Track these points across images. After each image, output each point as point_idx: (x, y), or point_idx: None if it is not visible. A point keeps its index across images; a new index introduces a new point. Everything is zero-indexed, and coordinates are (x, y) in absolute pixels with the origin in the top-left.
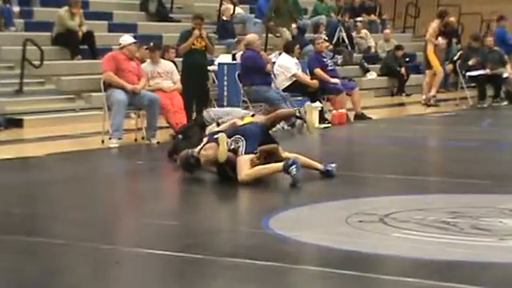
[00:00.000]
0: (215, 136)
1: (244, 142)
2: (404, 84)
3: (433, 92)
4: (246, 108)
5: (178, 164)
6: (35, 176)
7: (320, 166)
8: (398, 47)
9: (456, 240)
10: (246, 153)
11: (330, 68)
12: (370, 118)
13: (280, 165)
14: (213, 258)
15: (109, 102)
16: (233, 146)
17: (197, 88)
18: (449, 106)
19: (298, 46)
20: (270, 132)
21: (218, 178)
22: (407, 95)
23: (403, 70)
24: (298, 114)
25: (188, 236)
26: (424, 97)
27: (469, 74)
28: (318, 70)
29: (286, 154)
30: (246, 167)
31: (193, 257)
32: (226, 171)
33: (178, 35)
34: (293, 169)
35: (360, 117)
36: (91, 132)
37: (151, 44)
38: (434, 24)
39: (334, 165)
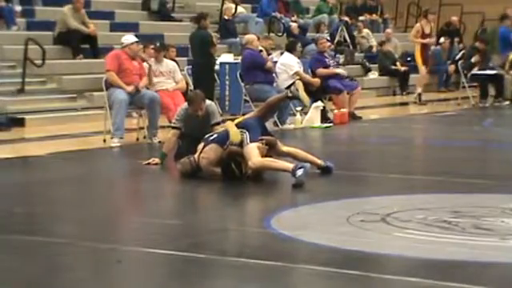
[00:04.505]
0: (211, 138)
1: (247, 133)
2: (406, 82)
3: (419, 90)
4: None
5: (179, 170)
6: (37, 175)
7: (320, 162)
8: (381, 43)
9: (458, 240)
10: (251, 141)
11: (330, 67)
12: (360, 118)
13: (290, 166)
14: (215, 258)
15: (110, 101)
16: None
17: None
18: (450, 105)
19: (299, 45)
20: (268, 126)
21: (220, 178)
22: (408, 93)
23: (398, 65)
24: (289, 95)
25: (190, 235)
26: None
27: (472, 72)
28: (320, 70)
29: (285, 149)
30: (255, 153)
31: (195, 256)
32: (231, 168)
33: (179, 34)
34: (299, 171)
35: (352, 116)
36: (93, 131)
37: (157, 44)
38: (417, 24)
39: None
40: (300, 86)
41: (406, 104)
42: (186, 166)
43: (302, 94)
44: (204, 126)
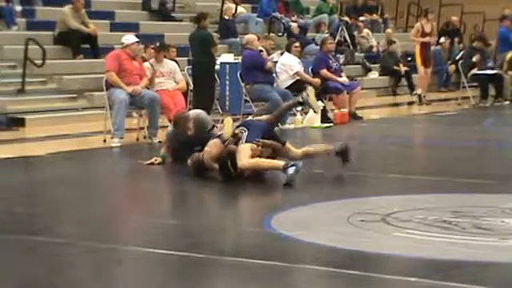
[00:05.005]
0: (219, 133)
1: (246, 132)
2: (411, 82)
3: (419, 91)
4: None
5: (189, 165)
6: (37, 175)
7: (332, 147)
8: (390, 42)
9: (458, 239)
10: (246, 141)
11: (333, 69)
12: (361, 118)
13: (280, 163)
14: (214, 258)
15: (110, 101)
16: (237, 131)
17: None
18: (451, 105)
19: (296, 45)
20: (276, 131)
21: (219, 178)
22: (406, 93)
23: (401, 66)
24: (301, 100)
25: (189, 235)
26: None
27: (473, 72)
28: (324, 71)
29: (300, 151)
30: (246, 154)
31: (195, 256)
32: (227, 167)
33: (179, 34)
34: (290, 169)
35: (352, 116)
36: (93, 131)
37: (157, 44)
38: (418, 23)
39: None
40: (311, 92)
41: (406, 104)
42: (193, 162)
43: (313, 101)
44: (198, 135)
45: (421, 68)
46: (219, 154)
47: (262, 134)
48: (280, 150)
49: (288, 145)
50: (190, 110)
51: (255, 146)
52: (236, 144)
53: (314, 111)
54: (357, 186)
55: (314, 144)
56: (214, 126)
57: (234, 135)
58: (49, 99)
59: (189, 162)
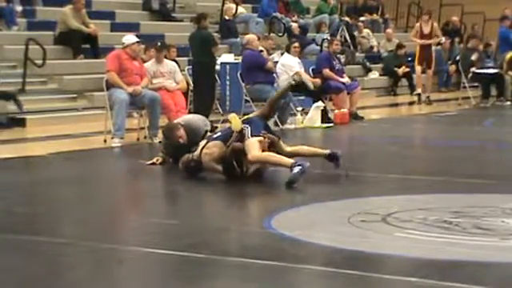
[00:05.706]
0: (215, 135)
1: (249, 128)
2: (410, 81)
3: (419, 91)
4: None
5: (180, 168)
6: (37, 175)
7: (324, 151)
8: (400, 46)
9: (458, 240)
10: (252, 136)
11: (336, 69)
12: (362, 118)
13: (289, 161)
14: (215, 258)
15: (111, 101)
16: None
17: None
18: (451, 105)
19: (295, 45)
20: (271, 125)
21: (220, 178)
22: (411, 91)
23: (402, 68)
24: (293, 83)
25: (190, 235)
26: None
27: (473, 69)
28: (326, 71)
29: (289, 149)
30: (255, 147)
31: (195, 256)
32: (232, 167)
33: (180, 34)
34: (296, 169)
35: (354, 116)
36: (93, 131)
37: (158, 44)
38: (417, 24)
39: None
40: (302, 73)
41: (406, 104)
42: (186, 163)
43: (306, 78)
44: (192, 141)
45: (417, 68)
46: (222, 155)
47: (262, 128)
48: (276, 144)
49: (280, 141)
50: (190, 110)
51: (262, 138)
52: (239, 141)
53: (310, 88)
54: (357, 186)
55: (309, 147)
56: (206, 132)
57: (240, 131)
58: (49, 99)
59: (179, 165)
